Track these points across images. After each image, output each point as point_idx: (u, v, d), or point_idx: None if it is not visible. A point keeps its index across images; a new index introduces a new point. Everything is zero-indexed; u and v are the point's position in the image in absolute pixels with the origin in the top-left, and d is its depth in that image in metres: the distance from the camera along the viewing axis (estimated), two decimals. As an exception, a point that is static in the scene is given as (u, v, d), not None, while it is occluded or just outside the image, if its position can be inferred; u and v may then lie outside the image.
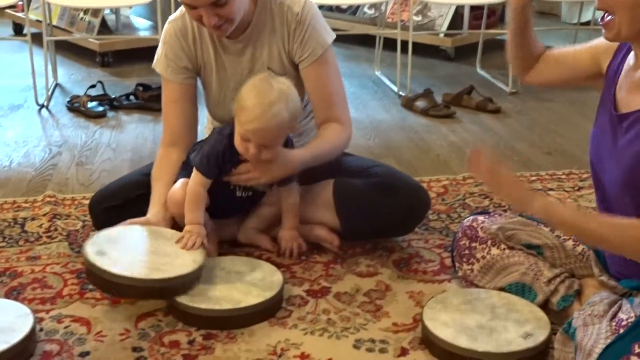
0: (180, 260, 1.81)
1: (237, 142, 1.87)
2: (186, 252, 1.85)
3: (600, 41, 1.69)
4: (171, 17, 2.07)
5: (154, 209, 1.97)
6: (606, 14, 1.52)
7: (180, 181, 1.98)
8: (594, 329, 1.51)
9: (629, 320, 1.47)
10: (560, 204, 1.59)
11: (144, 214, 1.98)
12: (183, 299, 1.76)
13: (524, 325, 1.67)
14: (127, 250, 1.84)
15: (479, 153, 1.61)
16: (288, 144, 1.98)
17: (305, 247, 2.06)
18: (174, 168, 2.04)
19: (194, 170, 1.93)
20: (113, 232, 1.90)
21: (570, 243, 1.84)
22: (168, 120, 2.11)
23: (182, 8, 2.02)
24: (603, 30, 1.54)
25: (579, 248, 1.83)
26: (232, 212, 2.10)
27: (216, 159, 1.91)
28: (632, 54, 1.61)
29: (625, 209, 1.55)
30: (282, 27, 2.02)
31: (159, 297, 1.80)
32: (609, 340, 1.45)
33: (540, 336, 1.64)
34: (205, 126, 2.34)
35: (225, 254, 2.04)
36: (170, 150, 2.08)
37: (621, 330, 1.46)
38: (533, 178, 2.71)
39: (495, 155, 1.63)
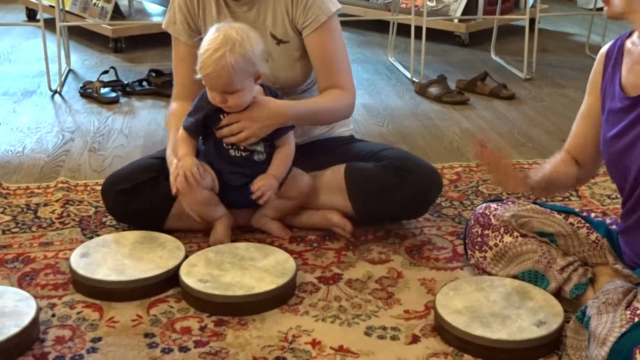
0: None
1: (207, 93, 1.94)
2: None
3: (592, 74, 1.72)
4: None
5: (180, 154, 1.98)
6: None
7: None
8: (608, 317, 1.50)
9: (644, 309, 1.46)
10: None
11: (155, 196, 1.99)
12: (196, 285, 1.77)
13: (537, 313, 1.66)
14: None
15: (483, 142, 1.62)
16: (271, 95, 2.01)
17: (272, 198, 2.01)
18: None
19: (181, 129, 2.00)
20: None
21: (584, 231, 1.83)
22: (178, 77, 2.17)
23: None
24: (605, 8, 1.56)
25: (593, 236, 1.82)
26: (235, 182, 2.03)
27: (196, 112, 1.98)
28: (628, 45, 1.62)
29: None
30: None
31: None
32: (623, 329, 1.44)
33: (554, 324, 1.63)
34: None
35: (238, 240, 2.04)
36: (183, 103, 2.11)
37: (636, 319, 1.45)
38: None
39: (496, 144, 1.63)
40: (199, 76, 1.90)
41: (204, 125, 1.98)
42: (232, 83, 1.88)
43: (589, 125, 1.76)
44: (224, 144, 2.00)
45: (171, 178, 1.93)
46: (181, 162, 1.93)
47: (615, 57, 1.65)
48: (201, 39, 2.00)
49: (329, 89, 2.07)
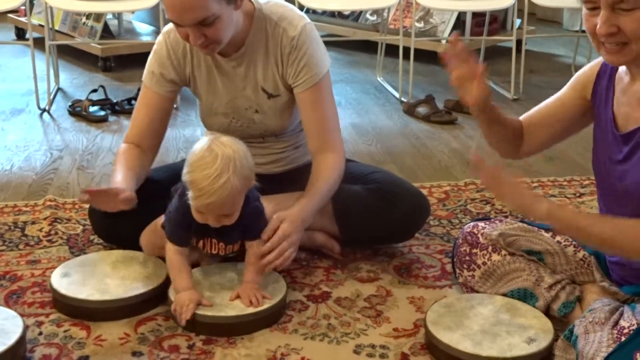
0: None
1: (195, 214, 1.74)
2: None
3: (581, 73, 1.69)
4: (165, 29, 2.03)
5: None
6: (614, 40, 1.47)
7: (152, 225, 1.96)
8: (595, 336, 1.50)
9: (631, 328, 1.47)
10: (563, 207, 1.59)
11: (142, 218, 1.97)
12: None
13: (527, 330, 1.67)
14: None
15: (481, 158, 1.61)
16: (251, 202, 1.81)
17: (267, 296, 1.86)
18: (135, 161, 2.01)
19: (167, 241, 1.82)
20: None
21: (571, 249, 1.83)
22: (137, 121, 2.09)
23: None
24: (606, 54, 1.50)
25: (580, 254, 1.83)
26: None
27: (187, 227, 1.80)
28: (620, 71, 1.60)
29: None
30: (276, 50, 1.98)
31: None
32: (610, 349, 1.44)
33: (544, 341, 1.63)
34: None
35: (230, 260, 2.03)
36: (134, 147, 2.04)
37: (623, 338, 1.45)
38: (534, 184, 2.70)
39: (496, 160, 1.62)
40: (195, 204, 1.70)
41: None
42: (234, 205, 1.74)
43: (552, 114, 1.74)
44: (203, 250, 1.88)
45: (177, 309, 1.76)
46: (184, 296, 1.76)
47: (610, 73, 1.64)
48: (174, 92, 2.02)
49: (322, 155, 2.00)
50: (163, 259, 1.88)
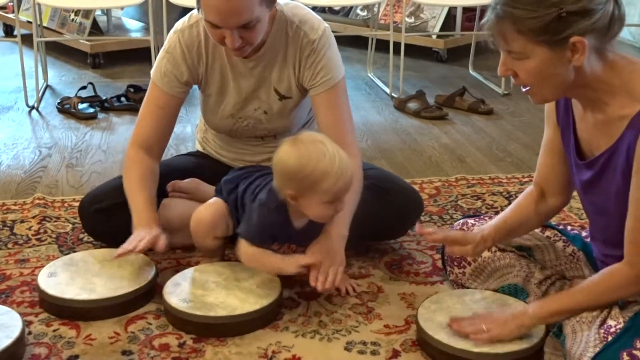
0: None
1: (321, 211, 1.77)
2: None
3: (547, 105, 1.67)
4: (178, 26, 1.97)
5: (144, 220, 1.89)
6: (519, 84, 1.50)
7: (211, 202, 1.94)
8: (582, 336, 1.50)
9: (617, 327, 1.46)
10: (542, 305, 1.60)
11: (131, 217, 1.94)
12: (179, 305, 1.75)
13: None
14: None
15: (458, 324, 1.63)
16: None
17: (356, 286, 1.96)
18: (150, 182, 1.98)
19: (244, 241, 1.83)
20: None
21: (560, 244, 1.83)
22: (146, 123, 2.02)
23: (189, 16, 1.96)
24: (530, 97, 1.52)
25: (569, 249, 1.83)
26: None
27: (271, 230, 1.83)
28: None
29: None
30: (295, 52, 1.96)
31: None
32: (597, 349, 1.44)
33: (536, 337, 1.63)
34: (197, 127, 2.34)
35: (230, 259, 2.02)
36: (141, 154, 1.99)
37: (609, 338, 1.45)
38: (525, 179, 2.70)
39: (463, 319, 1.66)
40: (331, 194, 1.73)
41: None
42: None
43: (552, 157, 1.71)
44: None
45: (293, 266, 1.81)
46: (290, 260, 1.82)
47: (566, 99, 1.61)
48: (186, 92, 1.99)
49: None
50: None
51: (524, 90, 1.51)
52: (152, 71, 2.02)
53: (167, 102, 2.01)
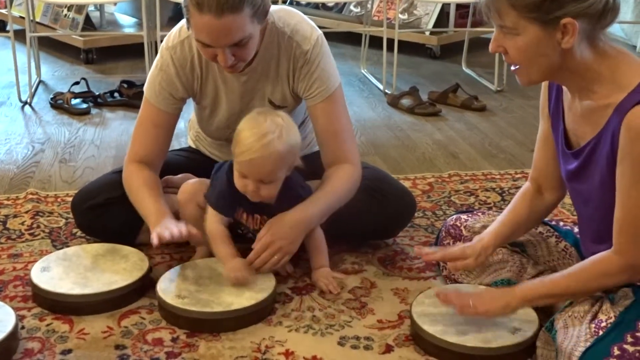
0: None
1: (236, 179, 1.81)
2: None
3: (541, 96, 1.68)
4: (169, 43, 1.94)
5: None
6: (509, 62, 1.51)
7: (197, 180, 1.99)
8: (574, 331, 1.51)
9: (609, 321, 1.47)
10: (531, 287, 1.61)
11: (126, 212, 1.95)
12: (172, 301, 1.75)
13: (512, 320, 1.67)
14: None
15: (448, 296, 1.65)
16: (294, 187, 1.88)
17: (344, 276, 1.98)
18: (157, 183, 1.98)
19: (210, 209, 1.88)
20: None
21: (553, 240, 1.84)
22: (143, 141, 2.00)
23: (179, 30, 1.93)
24: (516, 77, 1.53)
25: (562, 244, 1.83)
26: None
27: (224, 199, 1.86)
28: (564, 88, 1.59)
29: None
30: (288, 63, 1.94)
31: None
32: (588, 343, 1.45)
33: (529, 331, 1.64)
34: (189, 122, 2.34)
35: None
36: (141, 166, 1.98)
37: (600, 333, 1.46)
38: (518, 175, 2.71)
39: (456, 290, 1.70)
40: (238, 163, 1.77)
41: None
42: (274, 172, 1.77)
43: (548, 150, 1.72)
44: (240, 229, 1.94)
45: (229, 274, 1.81)
46: (230, 265, 1.82)
47: (557, 86, 1.62)
48: (181, 108, 1.98)
49: (336, 166, 1.97)
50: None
51: (512, 69, 1.52)
52: (145, 89, 1.99)
53: (163, 119, 1.99)
